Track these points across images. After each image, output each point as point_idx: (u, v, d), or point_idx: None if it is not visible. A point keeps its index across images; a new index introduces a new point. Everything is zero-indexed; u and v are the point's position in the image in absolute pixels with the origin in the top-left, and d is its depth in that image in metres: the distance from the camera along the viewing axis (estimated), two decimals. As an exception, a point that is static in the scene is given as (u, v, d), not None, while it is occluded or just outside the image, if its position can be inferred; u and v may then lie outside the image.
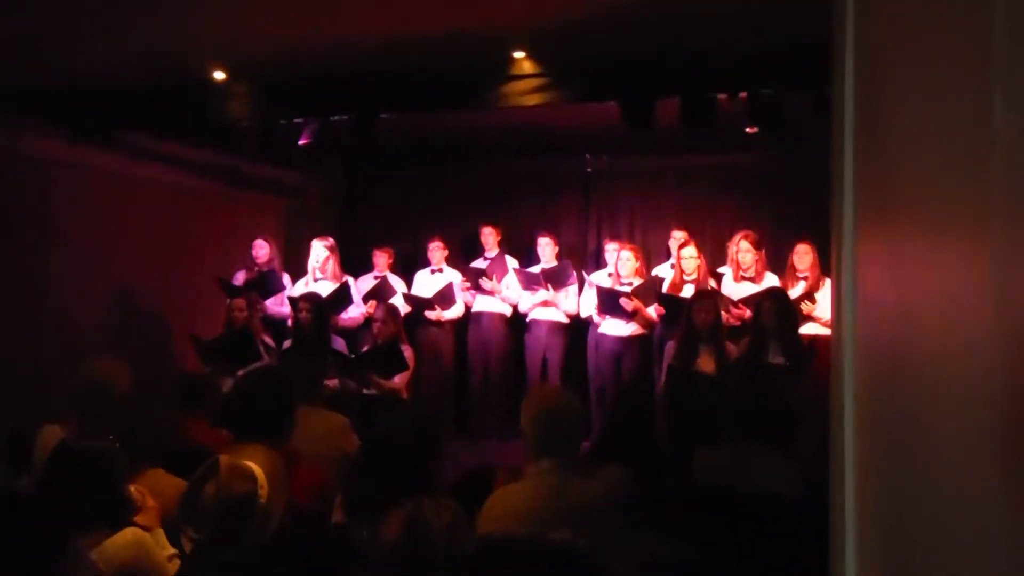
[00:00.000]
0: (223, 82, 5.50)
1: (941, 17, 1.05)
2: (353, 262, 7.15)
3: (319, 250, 6.72)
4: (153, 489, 2.91)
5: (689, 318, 5.19)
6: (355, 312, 6.64)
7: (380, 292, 6.75)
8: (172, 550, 2.53)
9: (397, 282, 7.08)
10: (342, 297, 6.48)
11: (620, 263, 6.37)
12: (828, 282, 5.55)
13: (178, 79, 5.44)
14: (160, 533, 2.58)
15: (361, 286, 6.96)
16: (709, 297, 5.39)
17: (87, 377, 3.28)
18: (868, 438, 1.45)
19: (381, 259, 7.21)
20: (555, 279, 6.67)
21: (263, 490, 2.19)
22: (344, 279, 6.68)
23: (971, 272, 0.91)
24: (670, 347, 5.37)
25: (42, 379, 5.68)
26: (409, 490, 2.50)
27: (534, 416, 2.71)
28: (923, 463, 1.10)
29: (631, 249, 6.45)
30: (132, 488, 2.58)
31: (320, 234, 6.97)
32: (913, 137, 1.18)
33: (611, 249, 6.89)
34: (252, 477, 2.20)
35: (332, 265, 6.73)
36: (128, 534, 2.42)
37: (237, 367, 5.18)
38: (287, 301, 6.66)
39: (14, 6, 4.22)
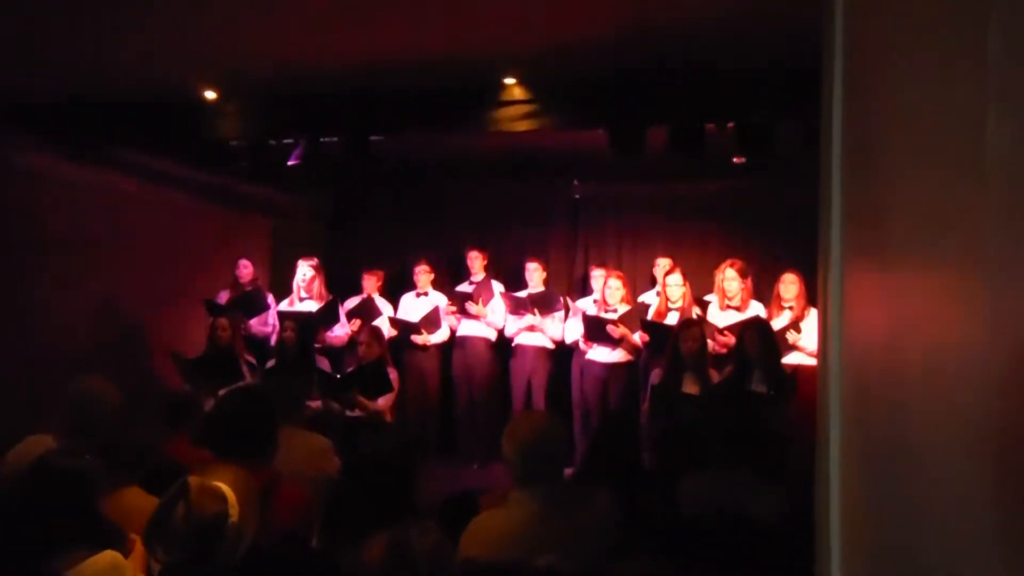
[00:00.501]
0: (214, 101, 5.50)
1: (932, 43, 1.06)
2: (340, 283, 7.14)
3: (304, 270, 6.72)
4: (131, 507, 2.87)
5: (675, 346, 5.21)
6: (340, 331, 6.62)
7: (364, 311, 6.73)
8: None
9: (384, 304, 7.06)
10: (330, 314, 6.47)
11: (608, 291, 6.37)
12: (814, 312, 5.57)
13: (169, 97, 5.44)
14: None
15: (348, 307, 6.94)
16: (695, 326, 5.41)
17: (78, 392, 3.25)
18: (855, 465, 1.44)
19: (370, 281, 7.20)
20: (542, 305, 6.68)
21: (234, 510, 2.16)
22: (331, 297, 6.67)
23: (963, 300, 0.91)
24: (655, 375, 5.38)
25: (30, 392, 5.62)
26: (391, 513, 2.48)
27: (518, 442, 2.70)
28: (911, 490, 1.10)
29: (619, 277, 6.45)
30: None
31: (307, 254, 6.96)
32: (904, 165, 1.19)
33: (597, 276, 6.89)
34: (222, 498, 2.17)
35: (317, 285, 6.72)
36: (107, 557, 2.38)
37: (219, 386, 5.16)
38: (270, 321, 6.65)
39: (8, 22, 4.21)
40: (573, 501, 2.72)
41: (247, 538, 2.18)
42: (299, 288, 6.72)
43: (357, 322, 6.64)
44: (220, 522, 2.11)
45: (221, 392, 4.93)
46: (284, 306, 6.70)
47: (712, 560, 2.51)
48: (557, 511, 2.63)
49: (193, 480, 2.16)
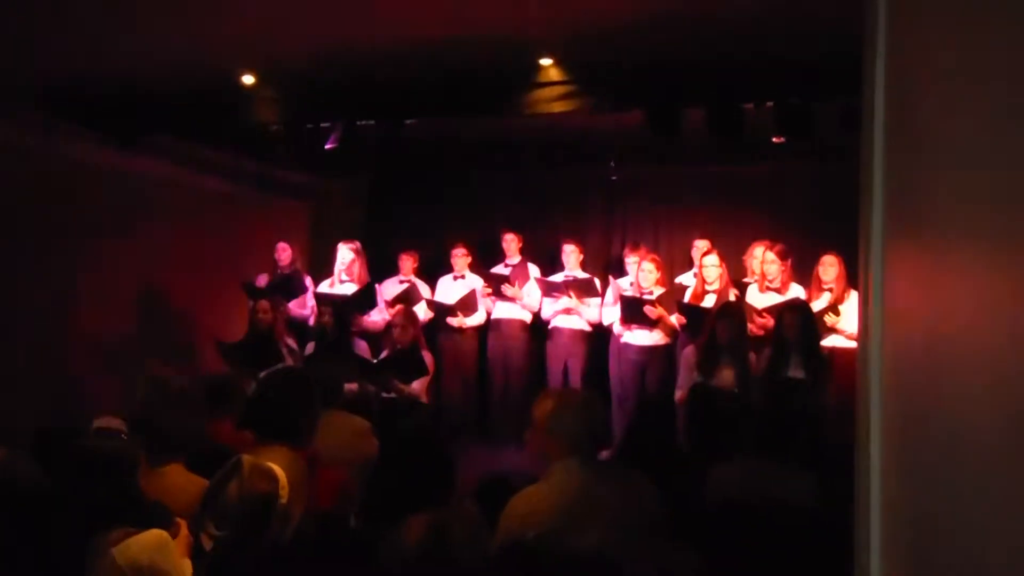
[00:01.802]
0: (251, 86, 5.54)
1: (976, 25, 1.04)
2: (376, 265, 7.17)
3: (345, 253, 6.76)
4: (173, 485, 2.93)
5: (713, 331, 5.16)
6: (377, 317, 6.66)
7: (408, 297, 6.76)
8: None
9: (424, 288, 7.10)
10: (366, 299, 6.50)
11: (642, 275, 6.33)
12: (854, 294, 5.50)
13: (207, 83, 5.49)
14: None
15: (386, 289, 6.98)
16: (734, 310, 5.36)
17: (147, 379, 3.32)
18: (895, 450, 1.43)
19: (407, 263, 7.22)
20: (580, 291, 6.65)
21: (284, 491, 2.20)
22: (368, 281, 6.71)
23: (1007, 281, 0.89)
24: (687, 353, 5.34)
25: (71, 379, 5.75)
26: (431, 495, 2.50)
27: (557, 416, 2.70)
28: (954, 474, 1.08)
29: (652, 260, 6.40)
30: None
31: (344, 237, 7.01)
32: (947, 147, 1.17)
33: (631, 260, 6.85)
34: (274, 478, 2.21)
35: (358, 268, 6.76)
36: (153, 534, 2.43)
37: (260, 369, 5.23)
38: (308, 303, 6.70)
39: (48, 11, 4.28)
40: (612, 477, 2.72)
41: (295, 519, 2.22)
42: (339, 272, 6.77)
43: (399, 307, 6.66)
44: (270, 501, 2.16)
45: (261, 375, 5.02)
46: (324, 287, 6.74)
47: (747, 547, 2.51)
48: (598, 486, 2.63)
49: (247, 459, 2.20)
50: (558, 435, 2.67)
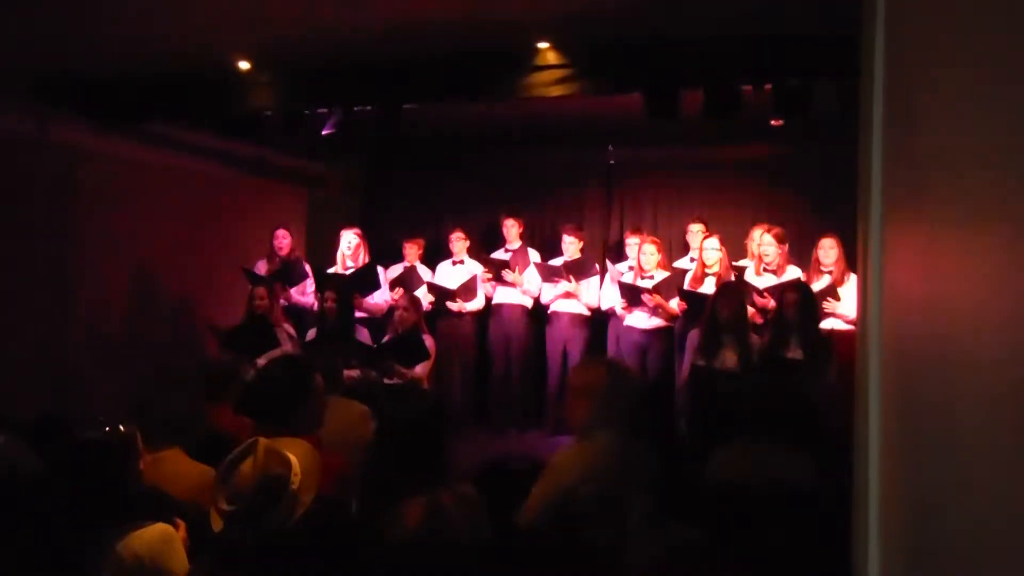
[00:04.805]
0: (247, 72, 5.52)
1: (975, 4, 1.03)
2: (375, 251, 7.17)
3: (349, 238, 6.80)
4: (173, 471, 2.93)
5: (713, 311, 5.15)
6: (379, 299, 6.66)
7: (407, 281, 6.76)
8: None
9: (425, 273, 7.10)
10: (368, 278, 6.50)
11: (643, 257, 6.33)
12: (853, 277, 5.50)
13: (203, 69, 5.47)
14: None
15: (390, 275, 7.00)
16: (734, 289, 5.35)
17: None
18: (894, 431, 1.43)
19: (411, 250, 7.23)
20: (577, 271, 6.66)
21: (296, 478, 2.24)
22: (370, 261, 6.72)
23: (1007, 262, 0.89)
24: (692, 336, 5.33)
25: (70, 365, 5.75)
26: (428, 478, 2.51)
27: (612, 386, 2.74)
28: (952, 455, 1.09)
29: (653, 242, 6.40)
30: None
31: (342, 223, 7.03)
32: (947, 128, 1.17)
33: (632, 243, 6.85)
34: (287, 463, 2.25)
35: (362, 254, 6.78)
36: (156, 529, 2.44)
37: (256, 354, 5.23)
38: (309, 289, 6.71)
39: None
40: (634, 450, 2.77)
41: (304, 506, 2.25)
42: (344, 257, 6.79)
43: (400, 291, 6.67)
44: (282, 484, 2.19)
45: (260, 361, 5.02)
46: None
47: (746, 529, 2.52)
48: (633, 449, 2.71)
49: (263, 441, 2.23)
50: (606, 405, 2.70)
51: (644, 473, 2.69)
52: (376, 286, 6.60)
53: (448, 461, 2.85)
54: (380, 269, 6.74)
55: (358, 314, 6.33)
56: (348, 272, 6.68)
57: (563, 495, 2.60)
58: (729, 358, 5.06)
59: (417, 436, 2.72)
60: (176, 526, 2.53)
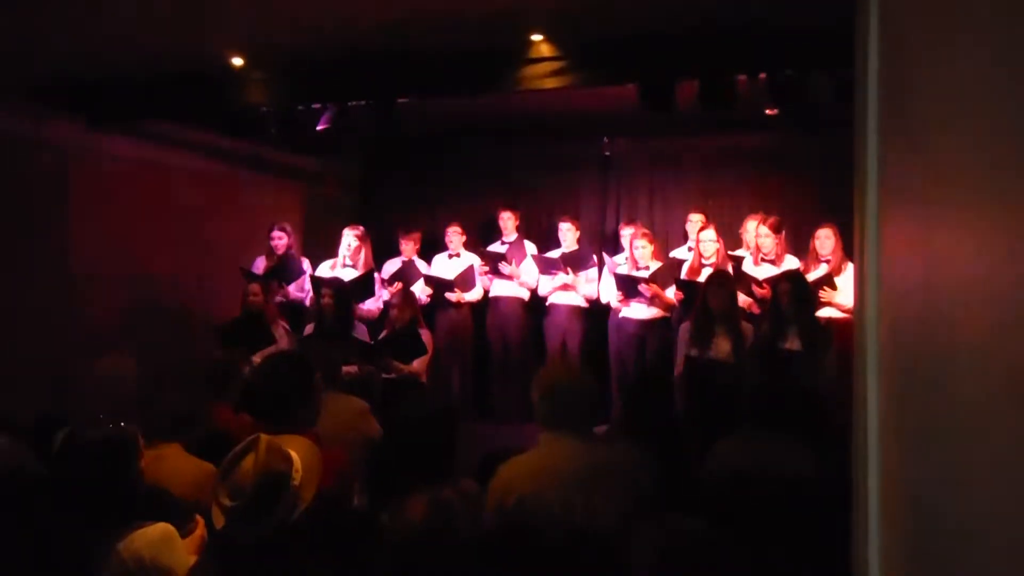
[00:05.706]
0: (241, 68, 5.50)
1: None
2: (373, 248, 7.16)
3: (350, 239, 6.75)
4: (173, 468, 2.94)
5: (704, 300, 5.14)
6: (371, 305, 6.66)
7: (405, 275, 6.76)
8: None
9: (423, 267, 7.10)
10: (365, 286, 6.50)
11: (636, 250, 6.34)
12: (850, 266, 5.50)
13: (197, 66, 5.45)
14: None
15: (385, 269, 7.00)
16: (724, 278, 5.33)
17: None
18: (893, 419, 1.44)
19: (407, 245, 7.23)
20: (575, 264, 6.66)
21: (297, 475, 2.24)
22: (370, 269, 6.70)
23: (1004, 249, 0.89)
24: (684, 328, 5.33)
25: (67, 365, 5.73)
26: (432, 474, 2.52)
27: (547, 387, 2.75)
28: (952, 442, 1.09)
29: (644, 235, 6.40)
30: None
31: (338, 218, 7.00)
32: (941, 116, 1.17)
33: (626, 235, 6.86)
34: (289, 459, 2.26)
35: (364, 254, 6.75)
36: (157, 529, 2.44)
37: (251, 350, 5.23)
38: (307, 286, 6.70)
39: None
40: (603, 450, 2.76)
41: (305, 502, 2.25)
42: (344, 257, 6.76)
43: (398, 285, 6.66)
44: (283, 480, 2.19)
45: (256, 358, 5.02)
46: (325, 269, 6.74)
47: (745, 520, 2.52)
48: (587, 456, 2.67)
49: (264, 438, 2.23)
50: (548, 406, 2.72)
51: (622, 472, 2.67)
52: (371, 294, 6.60)
53: (453, 457, 2.85)
54: (376, 276, 6.75)
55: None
56: (345, 269, 6.67)
57: (516, 500, 2.58)
58: (723, 347, 5.04)
59: (431, 435, 2.71)
60: (192, 528, 2.54)
